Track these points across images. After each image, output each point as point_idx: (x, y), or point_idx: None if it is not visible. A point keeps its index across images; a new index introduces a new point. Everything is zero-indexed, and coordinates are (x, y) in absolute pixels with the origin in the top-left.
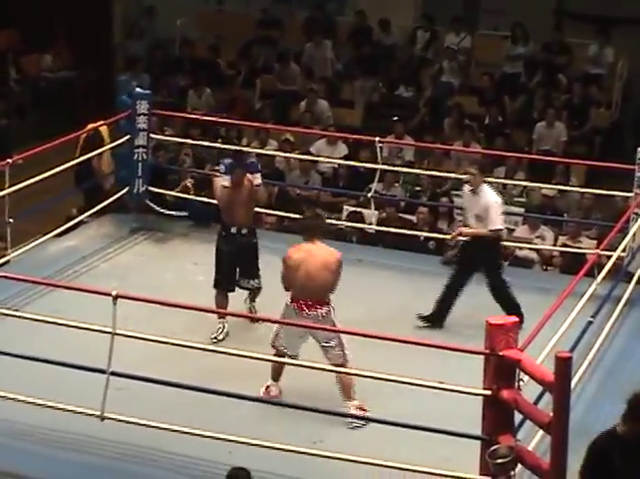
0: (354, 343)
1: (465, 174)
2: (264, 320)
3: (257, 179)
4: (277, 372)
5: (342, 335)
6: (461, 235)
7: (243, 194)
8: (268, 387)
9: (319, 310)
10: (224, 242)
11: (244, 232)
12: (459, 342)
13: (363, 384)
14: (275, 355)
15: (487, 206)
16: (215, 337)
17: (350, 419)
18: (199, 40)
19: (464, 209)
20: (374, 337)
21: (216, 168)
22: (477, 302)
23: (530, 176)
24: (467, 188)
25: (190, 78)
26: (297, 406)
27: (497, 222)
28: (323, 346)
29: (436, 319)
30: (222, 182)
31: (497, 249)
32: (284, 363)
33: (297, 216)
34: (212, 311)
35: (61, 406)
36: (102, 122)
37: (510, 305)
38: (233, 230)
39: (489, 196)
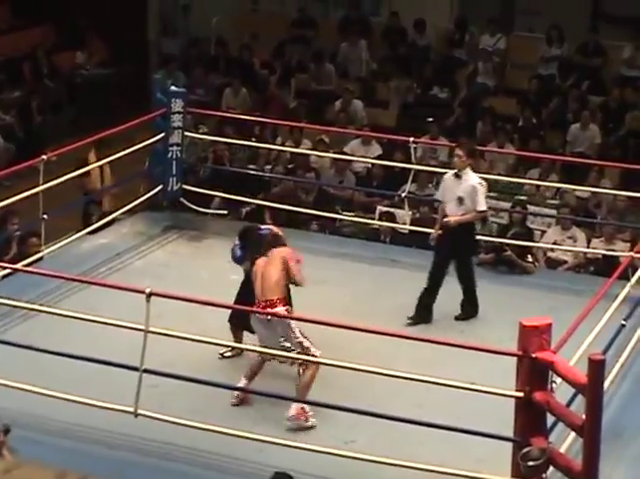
0: (385, 343)
1: (453, 155)
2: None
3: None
4: (253, 374)
5: (300, 334)
6: (449, 224)
7: None
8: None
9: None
10: None
11: None
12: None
13: (393, 385)
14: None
15: (473, 187)
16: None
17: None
18: (234, 39)
19: (443, 195)
20: (403, 337)
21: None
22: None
23: (564, 178)
24: (447, 174)
25: (226, 77)
26: (329, 406)
27: (483, 203)
28: (279, 346)
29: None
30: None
31: (474, 234)
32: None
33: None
34: (246, 310)
35: (95, 403)
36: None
37: (470, 296)
38: None
39: (474, 178)
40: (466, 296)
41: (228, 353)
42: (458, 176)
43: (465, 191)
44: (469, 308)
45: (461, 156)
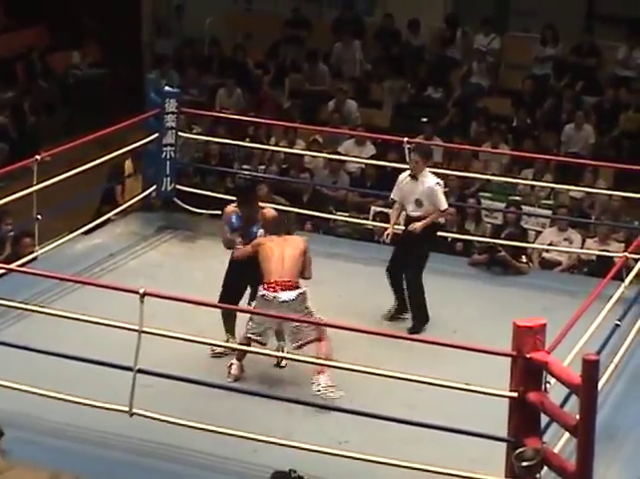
0: (378, 344)
1: (410, 161)
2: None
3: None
4: (243, 353)
5: (313, 309)
6: (415, 230)
7: None
8: (231, 365)
9: (291, 292)
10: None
11: None
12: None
13: (386, 384)
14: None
15: (431, 189)
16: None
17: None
18: (228, 39)
19: (400, 195)
20: (396, 337)
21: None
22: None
23: (558, 178)
24: (403, 175)
25: (219, 77)
26: (321, 406)
27: (444, 202)
28: (295, 328)
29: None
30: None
31: (435, 236)
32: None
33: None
34: (239, 310)
35: (90, 403)
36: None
37: (419, 302)
38: None
39: (431, 179)
40: (409, 299)
41: (219, 350)
42: (414, 177)
43: (423, 193)
44: (402, 308)
45: (417, 160)
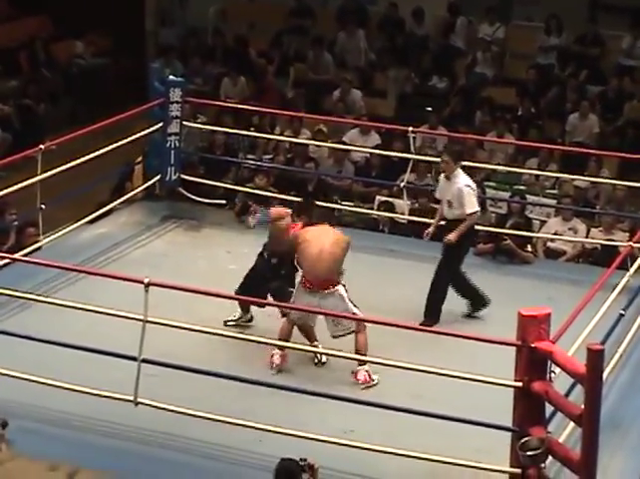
0: (384, 333)
1: (440, 161)
2: (288, 307)
3: None
4: (284, 339)
5: (351, 304)
6: (450, 242)
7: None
8: (272, 356)
9: (330, 289)
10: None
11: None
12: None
13: (391, 374)
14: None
15: (459, 190)
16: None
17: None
18: (232, 28)
19: (439, 194)
20: (402, 327)
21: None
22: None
23: (563, 167)
24: (442, 175)
25: (223, 66)
26: (328, 395)
27: (470, 205)
28: (333, 320)
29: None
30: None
31: (469, 237)
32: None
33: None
34: (243, 299)
35: (95, 392)
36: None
37: (437, 304)
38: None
39: (462, 180)
40: (429, 295)
41: (232, 322)
42: (448, 178)
43: (452, 194)
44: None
45: (447, 161)
